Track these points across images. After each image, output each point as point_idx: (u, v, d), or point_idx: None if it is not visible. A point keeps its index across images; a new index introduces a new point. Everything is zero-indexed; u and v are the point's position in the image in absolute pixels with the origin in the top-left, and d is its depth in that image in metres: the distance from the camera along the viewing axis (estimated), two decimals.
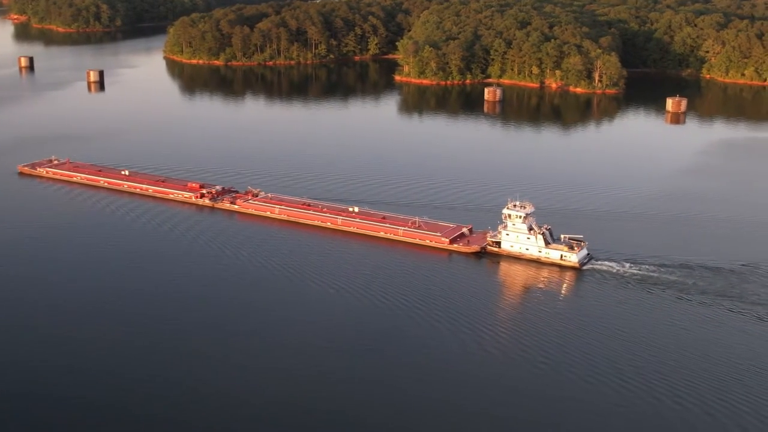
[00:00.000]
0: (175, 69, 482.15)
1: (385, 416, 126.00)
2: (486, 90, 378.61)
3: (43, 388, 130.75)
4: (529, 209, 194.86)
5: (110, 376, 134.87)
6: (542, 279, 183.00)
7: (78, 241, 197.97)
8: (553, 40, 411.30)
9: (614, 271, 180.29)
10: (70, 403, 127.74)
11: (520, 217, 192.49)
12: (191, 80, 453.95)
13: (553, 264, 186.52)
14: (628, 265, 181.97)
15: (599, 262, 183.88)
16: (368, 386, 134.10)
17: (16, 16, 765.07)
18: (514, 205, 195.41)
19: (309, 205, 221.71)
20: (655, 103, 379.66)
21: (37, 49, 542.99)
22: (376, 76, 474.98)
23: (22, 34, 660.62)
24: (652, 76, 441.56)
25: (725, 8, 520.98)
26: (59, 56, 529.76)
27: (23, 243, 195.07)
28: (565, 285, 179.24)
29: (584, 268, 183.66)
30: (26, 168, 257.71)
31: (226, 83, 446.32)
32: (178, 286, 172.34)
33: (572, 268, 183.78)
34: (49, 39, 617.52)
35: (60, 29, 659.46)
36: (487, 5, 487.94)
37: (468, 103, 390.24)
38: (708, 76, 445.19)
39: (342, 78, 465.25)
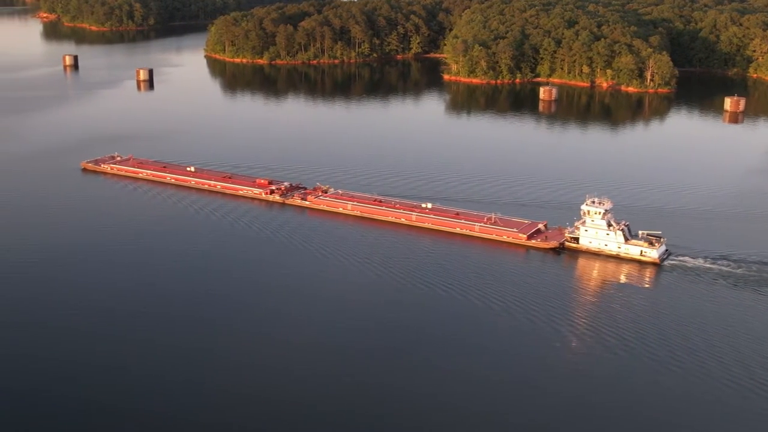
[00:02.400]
0: (218, 68, 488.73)
1: (485, 403, 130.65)
2: (541, 89, 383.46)
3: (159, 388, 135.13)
4: (608, 205, 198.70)
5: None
6: (627, 274, 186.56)
7: (165, 238, 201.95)
8: (603, 39, 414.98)
9: (694, 266, 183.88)
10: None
11: (600, 213, 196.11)
12: (237, 79, 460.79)
13: (632, 260, 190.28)
14: (707, 261, 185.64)
15: (678, 258, 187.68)
16: (465, 377, 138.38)
17: (45, 15, 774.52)
18: (593, 202, 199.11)
19: (381, 202, 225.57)
20: (708, 103, 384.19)
21: (74, 48, 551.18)
22: (419, 74, 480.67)
23: (55, 32, 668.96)
24: (698, 75, 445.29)
25: (763, 7, 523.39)
26: (100, 55, 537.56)
27: (115, 243, 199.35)
28: (652, 280, 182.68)
29: (664, 263, 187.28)
30: (90, 164, 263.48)
31: (271, 82, 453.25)
32: (285, 286, 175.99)
33: (652, 263, 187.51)
34: (81, 37, 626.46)
35: (93, 28, 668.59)
36: (530, 4, 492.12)
37: (521, 103, 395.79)
38: (755, 75, 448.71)
39: (385, 77, 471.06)
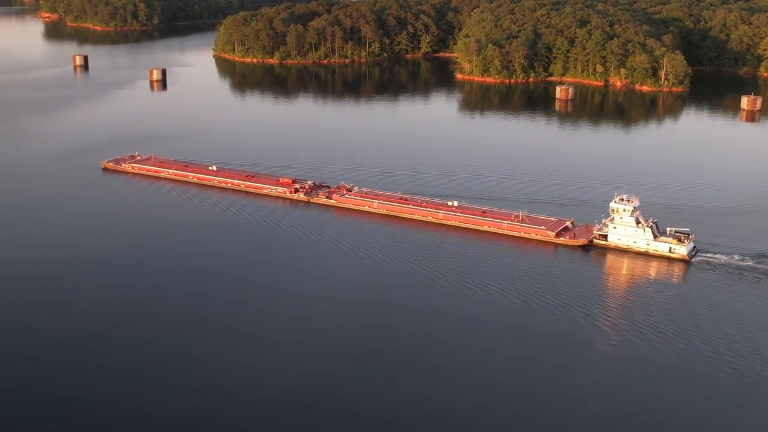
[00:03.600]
0: (228, 68, 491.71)
1: (527, 400, 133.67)
2: (558, 88, 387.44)
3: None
4: (636, 203, 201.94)
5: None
6: (657, 270, 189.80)
7: (197, 237, 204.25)
8: (616, 38, 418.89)
9: (724, 263, 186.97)
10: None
11: (628, 210, 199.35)
12: (248, 79, 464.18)
13: (661, 257, 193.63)
14: (736, 257, 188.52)
15: (706, 255, 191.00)
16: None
17: (46, 15, 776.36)
18: (621, 199, 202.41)
19: (406, 200, 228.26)
20: (723, 101, 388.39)
21: (78, 48, 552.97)
22: (428, 74, 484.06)
23: (58, 32, 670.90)
24: (708, 74, 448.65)
25: (767, 6, 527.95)
26: (108, 55, 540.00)
27: (148, 243, 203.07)
28: (683, 277, 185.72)
29: (693, 260, 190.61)
30: (110, 164, 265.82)
31: (283, 82, 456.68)
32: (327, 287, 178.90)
33: (681, 260, 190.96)
34: (85, 38, 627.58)
35: (97, 28, 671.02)
36: (540, 4, 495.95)
37: (536, 102, 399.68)
38: (766, 74, 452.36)
39: (395, 76, 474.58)
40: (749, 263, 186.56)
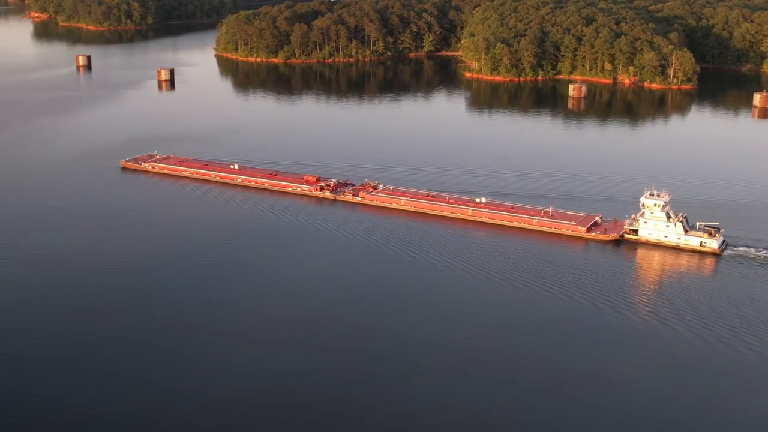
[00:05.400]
0: (232, 67, 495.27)
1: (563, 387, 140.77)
2: (570, 86, 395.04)
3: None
4: (666, 198, 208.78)
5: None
6: (689, 264, 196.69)
7: (236, 235, 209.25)
8: (624, 36, 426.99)
9: (754, 256, 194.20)
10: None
11: (659, 205, 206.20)
12: (254, 78, 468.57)
13: (692, 251, 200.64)
14: (765, 251, 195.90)
15: (736, 248, 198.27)
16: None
17: (36, 15, 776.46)
18: (651, 194, 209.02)
19: (433, 197, 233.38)
20: (732, 98, 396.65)
21: (73, 49, 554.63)
22: (432, 72, 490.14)
23: (50, 33, 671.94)
24: (711, 72, 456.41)
25: (764, 4, 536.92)
26: (108, 55, 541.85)
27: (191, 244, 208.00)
28: (717, 269, 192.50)
29: (723, 253, 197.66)
30: (129, 163, 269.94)
31: (289, 81, 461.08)
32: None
33: (712, 254, 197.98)
34: (78, 38, 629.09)
35: (90, 27, 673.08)
36: (543, 2, 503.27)
37: (547, 100, 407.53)
38: None
39: (399, 75, 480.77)
40: None
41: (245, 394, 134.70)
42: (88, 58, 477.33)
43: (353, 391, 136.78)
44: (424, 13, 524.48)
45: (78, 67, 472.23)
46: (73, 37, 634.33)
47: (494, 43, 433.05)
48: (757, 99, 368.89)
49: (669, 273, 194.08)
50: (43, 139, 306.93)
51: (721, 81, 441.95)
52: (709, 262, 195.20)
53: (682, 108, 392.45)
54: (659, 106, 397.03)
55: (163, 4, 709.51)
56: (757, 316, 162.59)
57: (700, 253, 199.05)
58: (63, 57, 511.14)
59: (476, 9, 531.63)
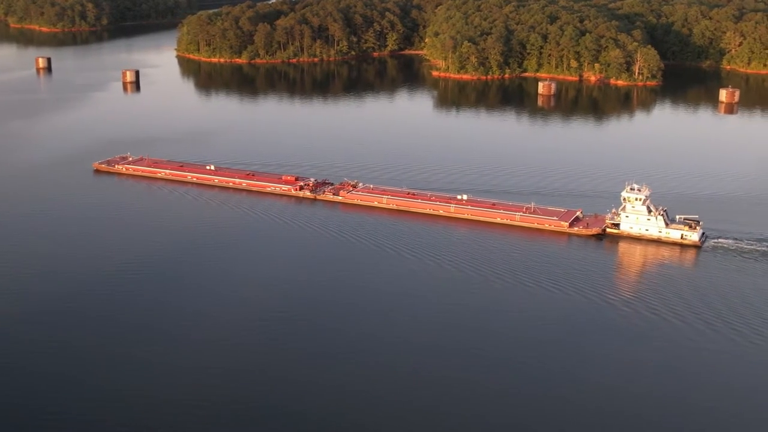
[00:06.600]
0: (194, 68, 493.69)
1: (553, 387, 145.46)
2: (540, 84, 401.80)
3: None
4: (647, 192, 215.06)
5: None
6: (671, 256, 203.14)
7: (224, 237, 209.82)
8: (588, 34, 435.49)
9: (733, 248, 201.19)
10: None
11: (640, 199, 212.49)
12: (218, 79, 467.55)
13: (673, 243, 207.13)
14: (744, 242, 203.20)
15: (716, 241, 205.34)
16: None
17: None
18: (632, 189, 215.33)
19: (414, 194, 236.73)
20: (697, 94, 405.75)
21: (30, 51, 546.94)
22: (397, 71, 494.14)
23: (1, 34, 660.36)
24: (672, 68, 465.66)
25: (725, 1, 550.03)
26: (66, 57, 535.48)
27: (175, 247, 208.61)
28: (698, 261, 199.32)
29: (704, 246, 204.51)
30: (102, 165, 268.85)
31: (253, 81, 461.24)
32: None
33: (693, 246, 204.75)
34: (30, 39, 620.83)
35: (43, 29, 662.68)
36: (506, 1, 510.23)
37: (515, 97, 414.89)
38: (728, 67, 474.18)
39: (363, 74, 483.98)
40: (758, 248, 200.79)
41: (219, 397, 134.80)
42: (48, 60, 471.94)
43: (336, 396, 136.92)
44: (386, 13, 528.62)
45: (38, 69, 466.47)
46: (26, 38, 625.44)
47: (461, 41, 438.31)
48: (723, 95, 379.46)
49: (652, 265, 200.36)
50: (11, 143, 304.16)
51: (683, 77, 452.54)
52: (690, 254, 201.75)
53: (648, 104, 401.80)
54: (626, 102, 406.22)
55: (118, 4, 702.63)
56: (740, 303, 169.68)
57: (681, 246, 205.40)
58: (19, 59, 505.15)
59: (438, 8, 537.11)
